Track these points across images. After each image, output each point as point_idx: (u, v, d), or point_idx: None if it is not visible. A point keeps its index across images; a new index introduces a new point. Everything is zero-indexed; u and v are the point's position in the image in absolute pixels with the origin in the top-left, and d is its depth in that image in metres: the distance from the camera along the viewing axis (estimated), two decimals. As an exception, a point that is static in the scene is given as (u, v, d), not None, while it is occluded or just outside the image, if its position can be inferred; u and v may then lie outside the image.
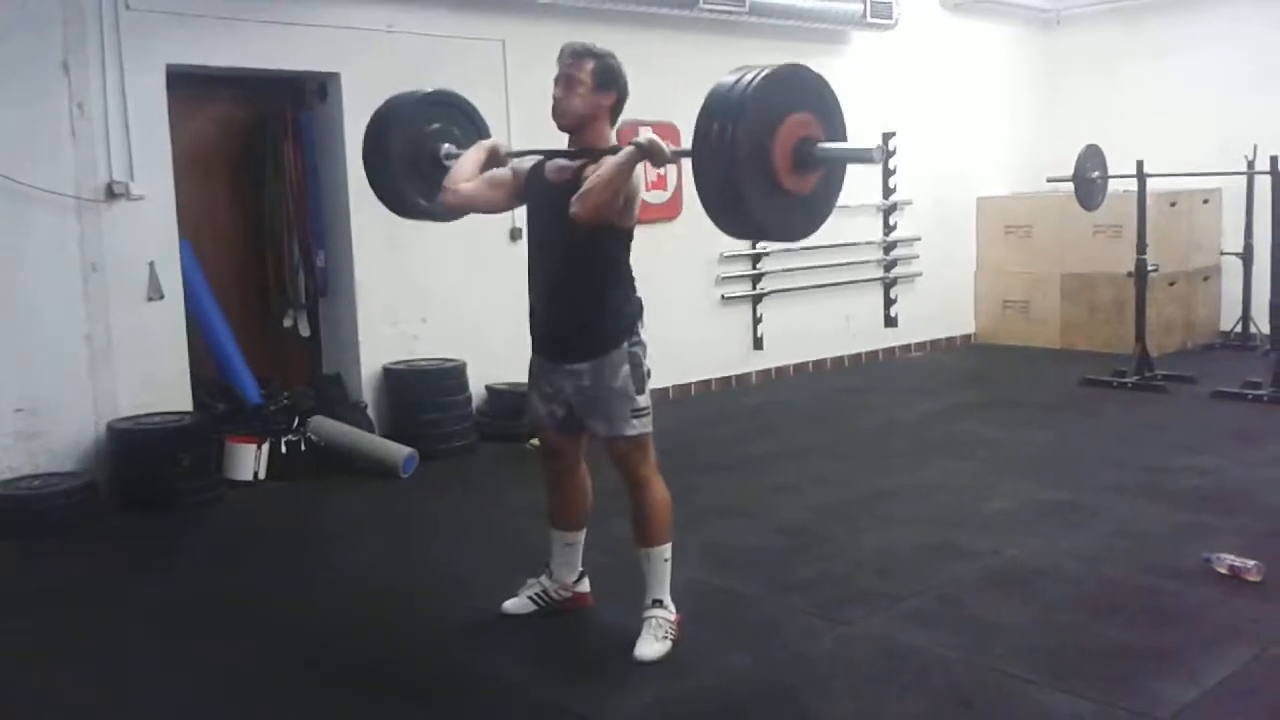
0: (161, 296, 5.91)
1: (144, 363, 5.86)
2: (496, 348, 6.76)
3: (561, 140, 3.77)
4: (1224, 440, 6.39)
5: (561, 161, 3.74)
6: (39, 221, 5.54)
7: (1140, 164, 7.93)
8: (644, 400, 3.71)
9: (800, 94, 3.22)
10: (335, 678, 3.69)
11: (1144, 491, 5.43)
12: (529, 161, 3.84)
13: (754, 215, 3.16)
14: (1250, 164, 8.58)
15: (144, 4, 5.76)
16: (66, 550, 5.05)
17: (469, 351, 6.81)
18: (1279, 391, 7.22)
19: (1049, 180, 8.41)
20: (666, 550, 3.78)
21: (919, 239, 9.65)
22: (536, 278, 3.80)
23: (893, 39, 9.12)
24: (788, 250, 8.59)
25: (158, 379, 5.90)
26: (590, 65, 3.64)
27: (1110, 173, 7.91)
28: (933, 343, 9.96)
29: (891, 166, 9.30)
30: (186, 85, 6.11)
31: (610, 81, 3.66)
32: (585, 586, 4.09)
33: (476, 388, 6.85)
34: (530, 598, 4.05)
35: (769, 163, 3.11)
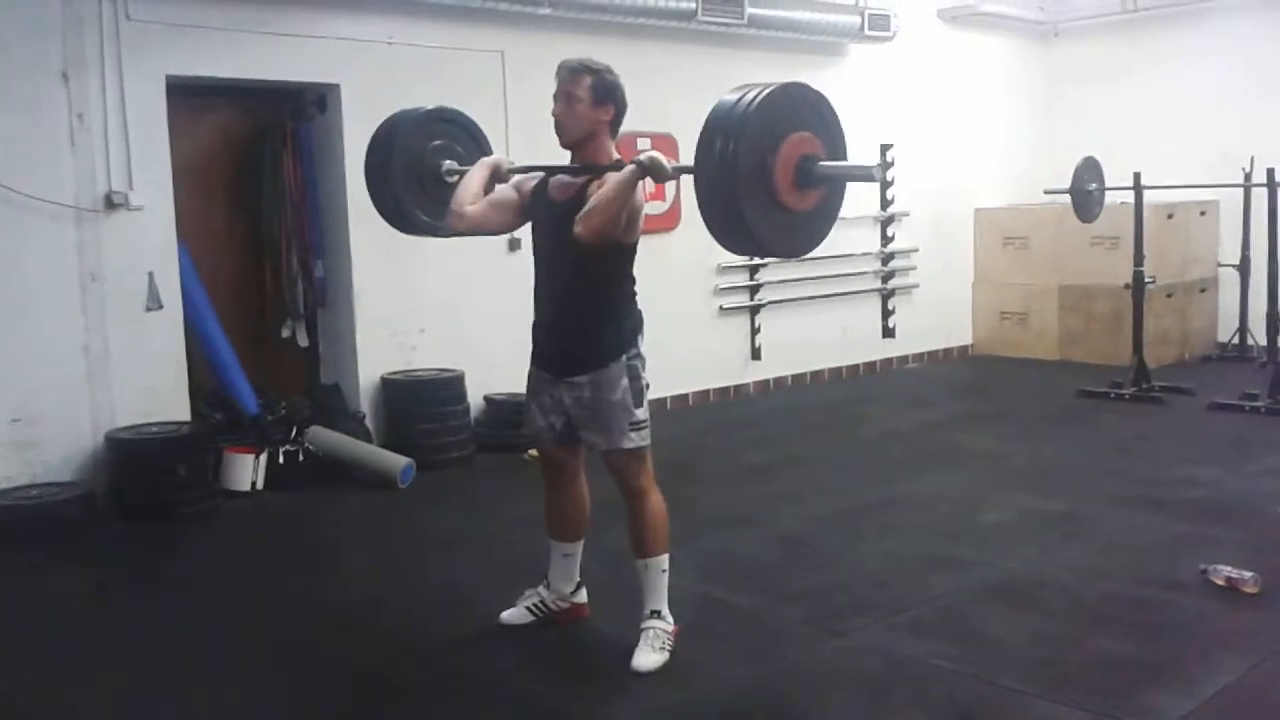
0: (160, 306, 5.91)
1: (142, 373, 5.86)
2: (495, 358, 6.77)
3: (561, 154, 3.79)
4: (1221, 452, 6.39)
5: (564, 178, 3.75)
6: (38, 231, 5.54)
7: (1137, 176, 7.95)
8: (642, 413, 3.72)
9: (802, 112, 3.25)
10: (332, 688, 3.69)
11: (1141, 503, 5.43)
12: (532, 179, 3.85)
13: (755, 232, 3.19)
14: (1247, 176, 8.60)
15: (144, 14, 5.78)
16: (64, 560, 5.04)
17: (467, 362, 6.81)
18: (1276, 403, 7.22)
19: (1046, 192, 8.43)
20: (664, 561, 3.78)
21: (916, 250, 9.66)
22: (541, 292, 3.82)
23: (890, 51, 9.14)
24: (786, 261, 8.58)
25: (156, 389, 5.90)
26: (588, 81, 3.65)
27: (1107, 184, 7.92)
28: (930, 354, 9.97)
29: (889, 178, 9.31)
30: (186, 96, 6.13)
31: (608, 95, 3.68)
32: (583, 597, 4.09)
33: (475, 398, 6.85)
34: (528, 608, 4.05)
35: (770, 180, 3.13)
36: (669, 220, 7.92)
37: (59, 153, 5.60)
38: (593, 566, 4.14)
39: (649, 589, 3.77)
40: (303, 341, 6.83)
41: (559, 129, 3.70)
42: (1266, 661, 3.64)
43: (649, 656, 3.68)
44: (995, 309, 10.13)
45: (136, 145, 5.81)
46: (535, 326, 3.86)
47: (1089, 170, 7.85)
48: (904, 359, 9.76)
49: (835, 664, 3.73)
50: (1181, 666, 3.62)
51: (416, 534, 5.40)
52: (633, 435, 3.69)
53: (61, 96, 5.59)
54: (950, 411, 7.90)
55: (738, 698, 3.53)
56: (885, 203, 9.37)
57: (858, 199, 8.97)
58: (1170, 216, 9.18)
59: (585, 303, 3.67)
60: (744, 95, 3.15)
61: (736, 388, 8.54)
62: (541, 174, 3.84)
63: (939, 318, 9.97)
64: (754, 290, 8.59)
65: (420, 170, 4.10)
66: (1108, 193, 7.97)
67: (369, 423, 6.62)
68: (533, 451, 4.23)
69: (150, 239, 5.88)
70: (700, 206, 3.20)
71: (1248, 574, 4.20)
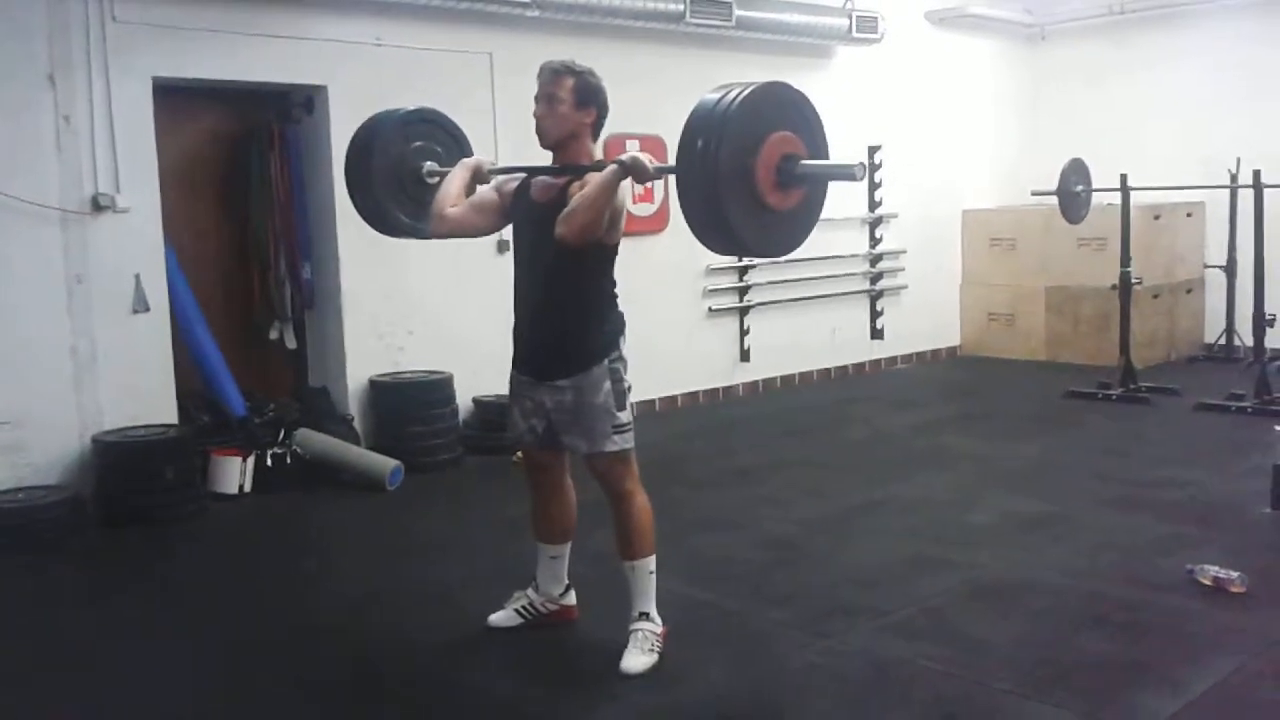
0: (147, 309, 5.89)
1: (129, 375, 5.84)
2: (483, 360, 6.75)
3: (545, 155, 3.78)
4: (1208, 452, 6.41)
5: (545, 179, 3.74)
6: (23, 233, 5.52)
7: (1124, 177, 7.98)
8: (625, 416, 3.71)
9: (783, 111, 3.24)
10: (320, 691, 3.68)
11: (1128, 503, 5.45)
12: (513, 180, 3.85)
13: (736, 231, 3.18)
14: (1233, 177, 8.63)
15: (130, 16, 5.76)
16: (50, 564, 5.02)
17: (455, 364, 6.80)
18: (1262, 403, 7.26)
19: (1033, 194, 8.45)
20: (651, 563, 3.78)
21: (904, 252, 9.68)
22: (522, 294, 3.81)
23: (878, 53, 9.16)
24: (774, 263, 8.58)
25: (143, 391, 5.88)
26: (570, 82, 3.65)
27: (1094, 186, 7.96)
28: (918, 355, 9.99)
29: (877, 180, 9.34)
30: (173, 97, 6.11)
31: (590, 98, 3.67)
32: (571, 599, 4.09)
33: (463, 400, 6.85)
34: (516, 611, 4.05)
35: (752, 179, 3.13)
36: (657, 222, 7.92)
37: (45, 155, 5.58)
38: (580, 568, 4.14)
39: (637, 591, 3.77)
40: (290, 343, 6.82)
41: (540, 130, 3.70)
42: (1253, 661, 3.65)
43: (638, 658, 3.67)
44: (983, 310, 10.16)
45: (123, 147, 5.79)
46: (516, 329, 3.84)
47: (1076, 172, 7.88)
48: (892, 360, 9.78)
49: (823, 666, 3.73)
50: (1169, 667, 3.63)
51: (405, 537, 5.39)
52: (615, 438, 3.69)
53: (47, 99, 5.57)
54: (938, 413, 7.92)
55: (726, 700, 3.53)
56: (873, 204, 9.39)
57: (845, 201, 9.02)
58: (1157, 218, 9.21)
59: (566, 305, 3.66)
60: (725, 95, 3.15)
61: (725, 389, 8.55)
62: (523, 175, 3.83)
63: (927, 319, 9.99)
64: (743, 292, 8.60)
65: (401, 172, 4.08)
66: (1094, 194, 8.00)
67: (357, 425, 6.60)
68: (520, 454, 4.22)
69: (137, 241, 5.87)
70: (682, 206, 3.20)
71: (1234, 574, 4.21)
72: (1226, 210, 8.99)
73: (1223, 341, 9.34)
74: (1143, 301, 8.72)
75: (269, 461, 6.08)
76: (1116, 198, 8.05)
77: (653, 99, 7.53)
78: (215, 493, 5.88)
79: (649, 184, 7.64)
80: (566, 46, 7.26)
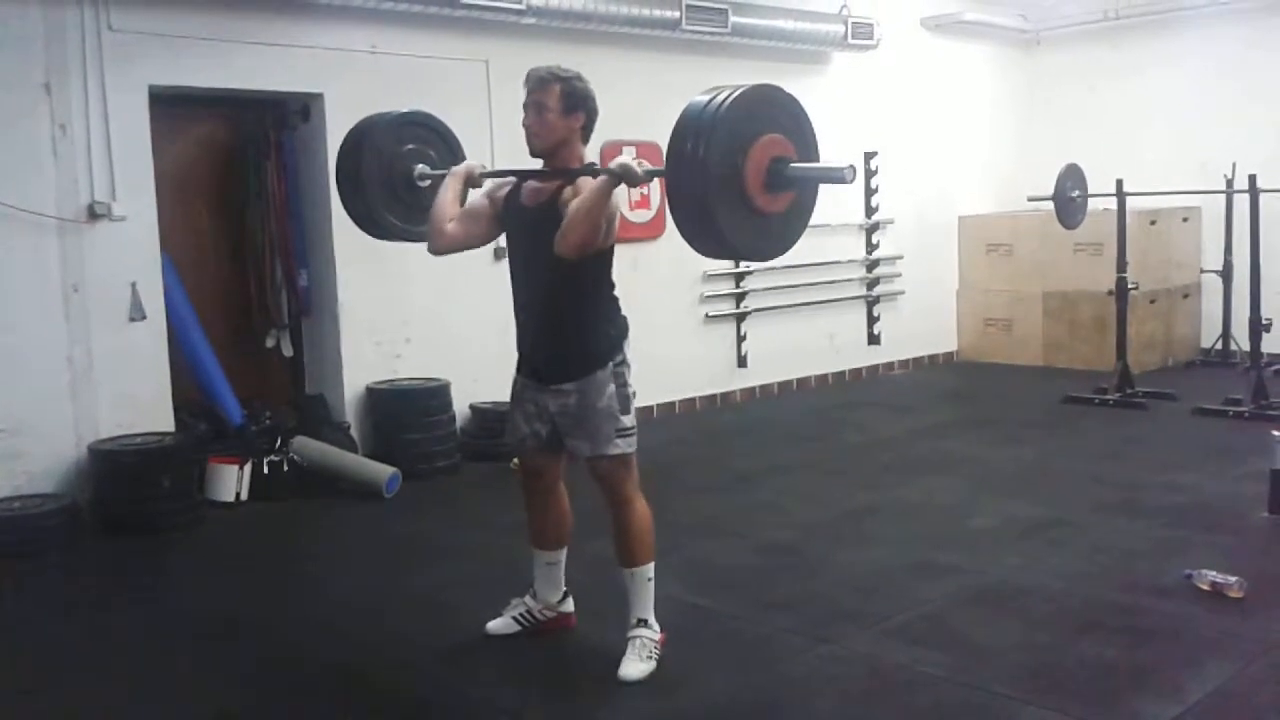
0: (143, 317, 5.89)
1: (125, 383, 5.83)
2: (480, 367, 6.76)
3: (537, 162, 3.78)
4: (1205, 457, 6.42)
5: (535, 183, 3.74)
6: (20, 242, 5.52)
7: (1120, 183, 8.00)
8: (629, 420, 3.71)
9: (772, 114, 3.24)
10: (318, 699, 3.67)
11: (1126, 508, 5.45)
12: (504, 186, 3.85)
13: (726, 235, 3.17)
14: (1229, 182, 8.65)
15: (126, 25, 5.76)
16: (46, 572, 5.01)
17: (452, 371, 6.80)
18: (1259, 408, 7.26)
19: (1030, 199, 8.45)
20: (649, 570, 3.77)
21: (901, 257, 9.69)
22: (521, 301, 3.80)
23: (874, 59, 9.17)
24: (771, 269, 8.60)
25: (139, 400, 5.88)
26: (557, 89, 3.64)
27: (1090, 191, 7.96)
28: (915, 360, 10.00)
29: (874, 186, 9.35)
30: (169, 106, 6.11)
31: (578, 103, 3.67)
32: (569, 606, 4.08)
33: (460, 407, 6.84)
34: (514, 618, 4.04)
35: (741, 182, 3.13)
36: (654, 229, 7.92)
37: (41, 163, 5.57)
38: (578, 576, 4.13)
39: (635, 598, 3.76)
40: (287, 351, 6.81)
41: (530, 138, 3.69)
42: (1252, 666, 3.65)
43: (636, 666, 3.67)
44: (980, 315, 10.16)
45: (119, 156, 5.78)
46: (518, 334, 3.83)
47: (1072, 177, 7.88)
48: (889, 366, 9.78)
49: (822, 672, 3.73)
50: (1167, 672, 3.62)
51: (402, 544, 5.38)
52: (619, 442, 3.68)
53: (44, 107, 5.57)
54: (936, 418, 7.92)
55: (725, 706, 3.52)
56: (870, 210, 9.40)
57: (842, 206, 9.05)
58: (1153, 223, 9.22)
59: (567, 310, 3.66)
60: (714, 97, 3.15)
61: (723, 395, 8.55)
62: (513, 180, 3.83)
63: (924, 324, 9.99)
64: (739, 298, 8.60)
65: (392, 175, 4.06)
66: (1090, 199, 8.00)
67: (354, 432, 6.60)
68: (516, 460, 4.21)
69: (133, 249, 5.86)
70: (672, 211, 3.19)
71: (1232, 579, 4.21)
72: (1222, 215, 9.01)
73: (1219, 346, 9.35)
74: (1139, 307, 8.73)
75: (266, 469, 6.07)
76: (1112, 203, 8.06)
77: (648, 105, 7.52)
78: (212, 501, 5.87)
79: (645, 190, 7.69)
80: (562, 54, 7.27)
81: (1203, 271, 9.62)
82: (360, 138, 4.09)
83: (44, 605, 4.67)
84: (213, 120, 6.67)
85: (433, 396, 6.62)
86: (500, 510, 5.60)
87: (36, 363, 5.58)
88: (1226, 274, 9.06)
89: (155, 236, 5.97)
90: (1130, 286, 8.03)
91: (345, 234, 6.52)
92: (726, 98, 3.13)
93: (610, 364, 3.69)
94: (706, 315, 8.43)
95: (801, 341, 9.01)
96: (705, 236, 3.21)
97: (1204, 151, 9.13)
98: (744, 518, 5.53)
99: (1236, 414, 7.31)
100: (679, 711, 3.48)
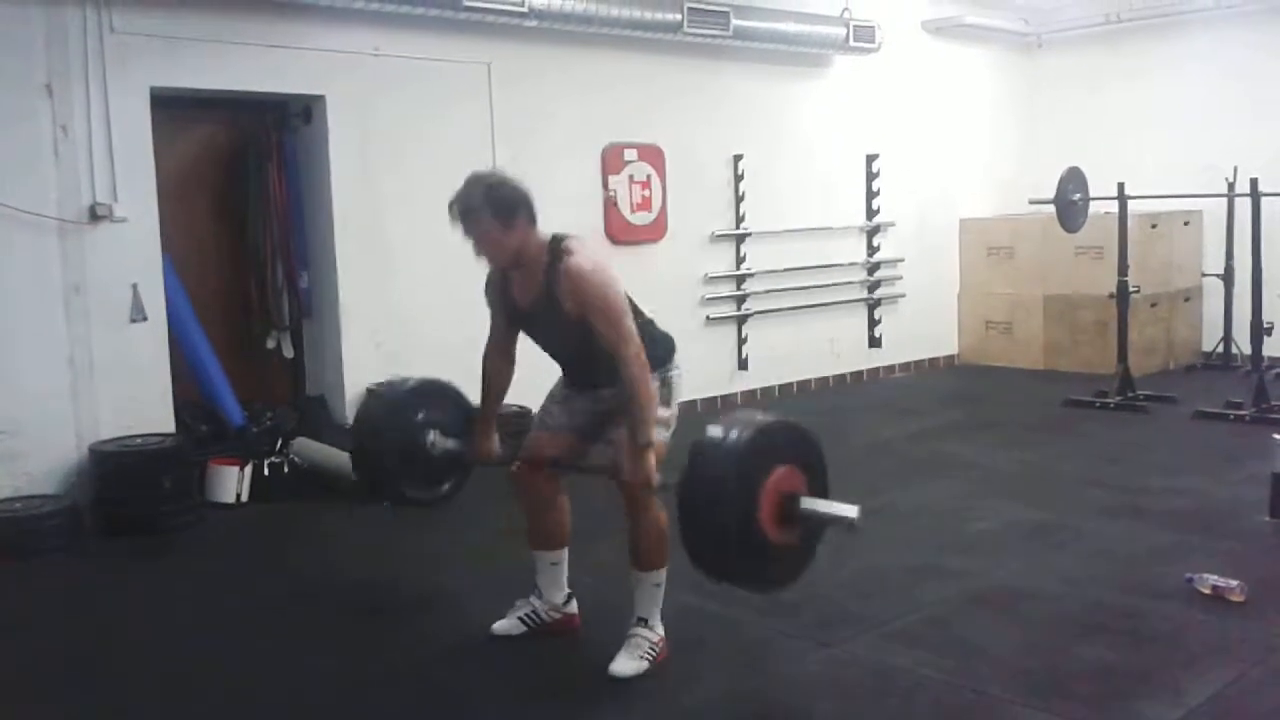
0: (144, 318, 5.89)
1: (126, 385, 5.84)
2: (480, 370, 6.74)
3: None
4: (1206, 460, 6.41)
5: (520, 278, 3.74)
6: (21, 243, 5.52)
7: (1121, 186, 7.99)
8: (666, 412, 3.73)
9: (788, 447, 3.32)
10: (320, 701, 3.67)
11: (1127, 512, 5.45)
12: (493, 284, 3.91)
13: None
14: (1231, 186, 8.64)
15: (128, 26, 5.77)
16: (47, 573, 5.01)
17: (454, 373, 6.76)
18: (1260, 411, 7.25)
19: (1031, 202, 8.46)
20: (658, 576, 3.77)
21: (902, 260, 9.69)
22: (553, 357, 3.90)
23: (875, 62, 9.16)
24: (772, 272, 8.63)
25: (140, 401, 5.87)
26: (486, 216, 3.57)
27: (1092, 194, 7.96)
28: (916, 363, 9.99)
29: (875, 189, 9.34)
30: (171, 108, 6.11)
31: (509, 207, 3.59)
32: (574, 607, 4.08)
33: (461, 409, 6.83)
34: (520, 619, 4.04)
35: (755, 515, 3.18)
36: (655, 231, 7.93)
37: (43, 165, 5.58)
38: (584, 579, 4.13)
39: (639, 599, 3.77)
40: (288, 353, 6.81)
41: (490, 261, 3.72)
42: (1253, 670, 3.64)
43: (627, 663, 3.68)
44: (981, 318, 10.16)
45: (120, 157, 5.79)
46: (561, 378, 3.96)
47: (1073, 180, 7.88)
48: (890, 369, 9.78)
49: (822, 675, 3.73)
50: (1168, 675, 3.62)
51: (403, 545, 5.38)
52: (656, 427, 3.65)
53: (45, 109, 5.57)
54: (937, 421, 7.91)
55: (728, 709, 3.52)
56: (871, 213, 9.39)
57: (844, 209, 9.05)
58: (1154, 226, 9.22)
59: (601, 356, 3.63)
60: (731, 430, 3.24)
61: (724, 398, 8.54)
62: (497, 275, 3.84)
63: (925, 327, 9.99)
64: (740, 300, 8.60)
65: (410, 451, 4.16)
66: (1092, 203, 8.00)
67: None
68: (517, 464, 4.21)
69: (134, 251, 5.86)
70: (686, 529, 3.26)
71: (1234, 582, 4.21)
72: (1224, 218, 8.99)
73: (1220, 350, 9.34)
74: (1140, 310, 8.73)
75: (266, 471, 6.07)
76: (1114, 206, 8.05)
77: (650, 108, 7.55)
78: (212, 502, 5.87)
79: (647, 194, 7.69)
80: (564, 56, 7.34)
81: (1204, 275, 9.61)
82: (375, 431, 4.23)
83: (43, 606, 4.66)
84: (214, 122, 6.67)
85: (434, 398, 6.60)
86: (501, 511, 5.58)
87: (37, 364, 5.58)
88: (1228, 278, 9.05)
89: (156, 238, 5.97)
90: (1131, 290, 8.02)
91: (346, 236, 6.56)
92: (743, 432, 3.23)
93: (658, 372, 3.73)
94: (708, 317, 8.43)
95: (802, 344, 9.01)
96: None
97: (1206, 155, 9.11)
98: (745, 520, 5.52)
99: (1238, 417, 7.30)
100: (679, 713, 3.48)
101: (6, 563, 5.00)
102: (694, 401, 8.31)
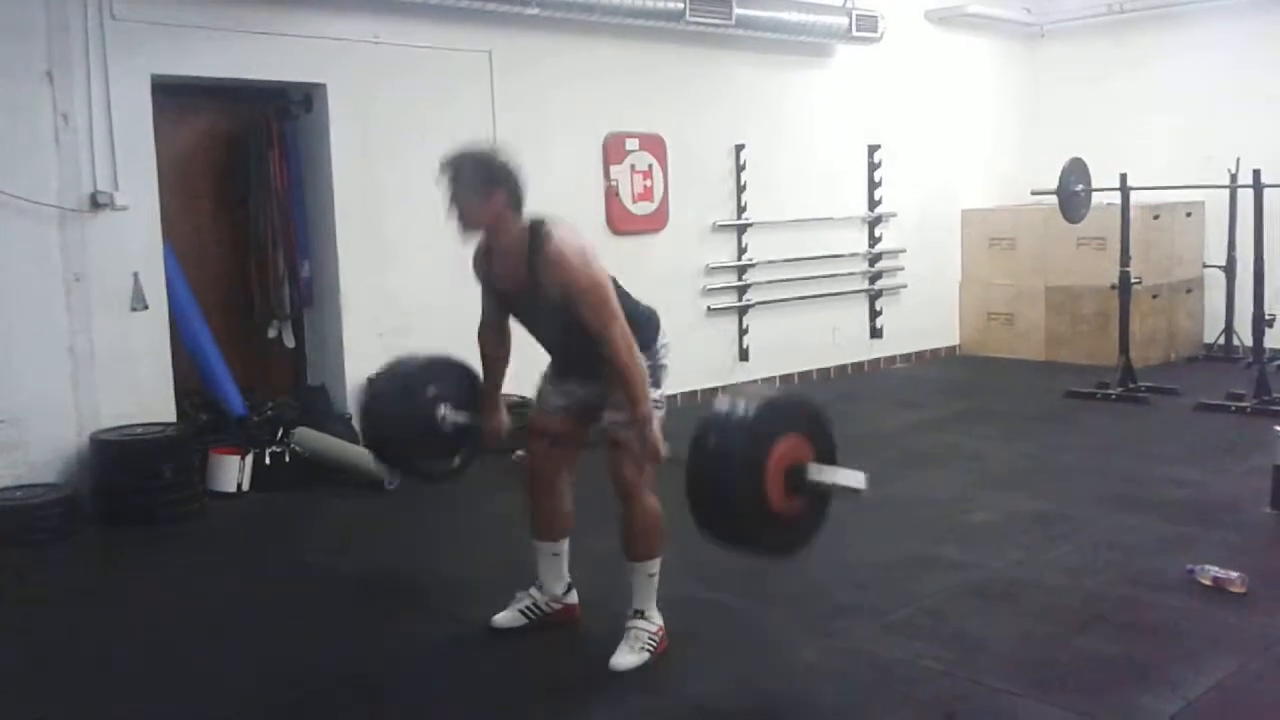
0: (145, 307, 5.88)
1: (127, 373, 5.83)
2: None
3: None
4: (1207, 452, 6.41)
5: (502, 257, 3.72)
6: (21, 231, 5.51)
7: (1124, 177, 7.98)
8: (656, 392, 3.74)
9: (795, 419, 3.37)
10: (319, 692, 3.67)
11: (1128, 503, 5.45)
12: (479, 262, 3.89)
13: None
14: (1233, 177, 8.62)
15: (129, 14, 5.75)
16: (47, 562, 5.01)
17: (455, 362, 6.78)
18: (1262, 403, 7.25)
19: (1033, 193, 8.45)
20: (652, 565, 3.77)
21: (904, 251, 9.67)
22: (538, 340, 3.88)
23: (878, 52, 9.14)
24: (773, 262, 8.62)
25: (141, 390, 5.87)
26: (465, 177, 3.58)
27: (1094, 185, 7.95)
28: (918, 354, 9.99)
29: (877, 179, 9.33)
30: (171, 95, 6.10)
31: (490, 177, 3.58)
32: (574, 598, 4.08)
33: (462, 399, 6.83)
34: (521, 611, 4.03)
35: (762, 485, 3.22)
36: (656, 221, 7.92)
37: (43, 153, 5.56)
38: (583, 571, 4.12)
39: (635, 590, 3.77)
40: (289, 342, 6.81)
41: (458, 225, 3.67)
42: (1254, 661, 3.64)
43: (627, 656, 3.68)
44: (982, 309, 10.15)
45: (121, 145, 5.78)
46: (550, 365, 3.94)
47: (1075, 171, 7.88)
48: (891, 359, 9.77)
49: (822, 665, 3.73)
50: (1169, 667, 3.62)
51: (404, 535, 5.38)
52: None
53: (46, 96, 5.56)
54: (938, 412, 7.91)
55: (724, 699, 3.52)
56: (873, 203, 9.38)
57: (845, 199, 9.03)
58: (1156, 217, 9.21)
59: (588, 344, 3.61)
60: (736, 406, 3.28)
61: (724, 388, 8.50)
62: (482, 251, 3.81)
63: (926, 318, 9.98)
64: (741, 291, 8.59)
65: (421, 428, 4.11)
66: (1094, 194, 8.00)
67: (356, 424, 6.58)
68: (520, 453, 4.21)
69: (135, 239, 5.86)
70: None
71: (1234, 574, 4.21)
72: (1226, 210, 8.97)
73: (1222, 341, 9.33)
74: (1142, 301, 8.71)
75: (267, 460, 6.07)
76: (1116, 197, 8.04)
77: (652, 97, 7.53)
78: (214, 491, 5.87)
79: (648, 182, 7.68)
80: (566, 44, 7.32)
81: (1206, 266, 9.60)
82: (384, 416, 4.19)
83: (44, 595, 4.66)
84: (215, 110, 6.65)
85: (434, 388, 6.60)
86: (502, 502, 5.59)
87: (38, 352, 5.57)
88: (1230, 269, 9.02)
89: (157, 226, 5.96)
90: (1133, 281, 8.01)
91: (347, 224, 6.55)
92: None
93: (645, 354, 3.73)
94: (709, 308, 8.42)
95: (803, 335, 9.00)
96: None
97: (1208, 146, 9.10)
98: (745, 511, 5.52)
99: (1239, 409, 7.29)
100: (677, 704, 3.48)
101: (6, 551, 5.00)
102: (695, 392, 8.33)
